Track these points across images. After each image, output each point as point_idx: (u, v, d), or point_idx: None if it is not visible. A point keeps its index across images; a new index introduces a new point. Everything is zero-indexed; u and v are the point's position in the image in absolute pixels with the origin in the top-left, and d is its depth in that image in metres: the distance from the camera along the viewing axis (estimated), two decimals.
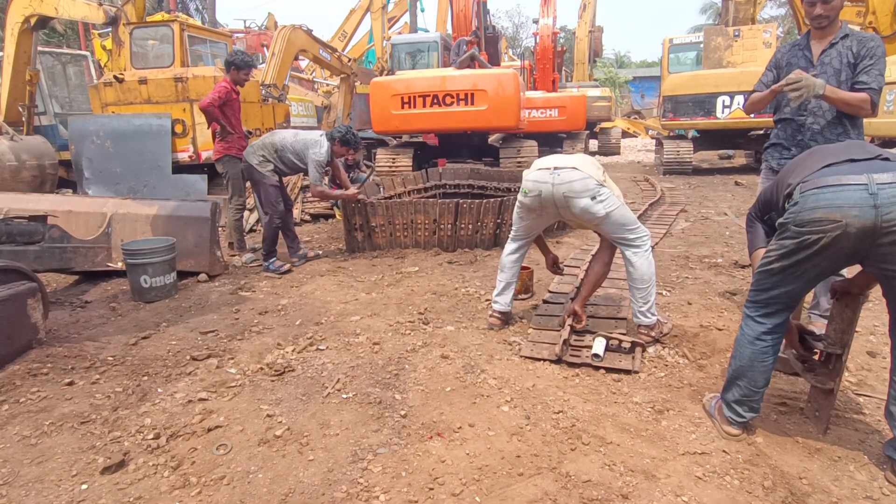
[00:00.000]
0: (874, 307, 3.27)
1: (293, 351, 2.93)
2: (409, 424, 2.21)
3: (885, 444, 1.90)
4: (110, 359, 2.89)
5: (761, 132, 10.14)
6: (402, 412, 2.29)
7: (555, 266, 3.49)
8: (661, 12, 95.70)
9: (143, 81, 6.99)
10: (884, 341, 2.84)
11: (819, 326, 2.72)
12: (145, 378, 2.68)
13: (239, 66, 4.81)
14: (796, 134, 2.80)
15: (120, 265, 4.23)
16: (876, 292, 3.44)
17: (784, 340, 2.05)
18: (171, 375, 2.71)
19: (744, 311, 2.03)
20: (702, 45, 10.98)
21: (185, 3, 25.98)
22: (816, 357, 2.12)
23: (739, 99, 9.36)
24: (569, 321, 2.94)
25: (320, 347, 2.98)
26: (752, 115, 6.68)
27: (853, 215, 1.65)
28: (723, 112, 9.58)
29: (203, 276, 4.36)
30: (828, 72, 2.66)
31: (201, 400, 2.44)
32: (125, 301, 3.91)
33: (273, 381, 2.62)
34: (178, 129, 6.90)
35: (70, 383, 2.61)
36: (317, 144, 4.56)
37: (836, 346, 2.03)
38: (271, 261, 4.63)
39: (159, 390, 2.55)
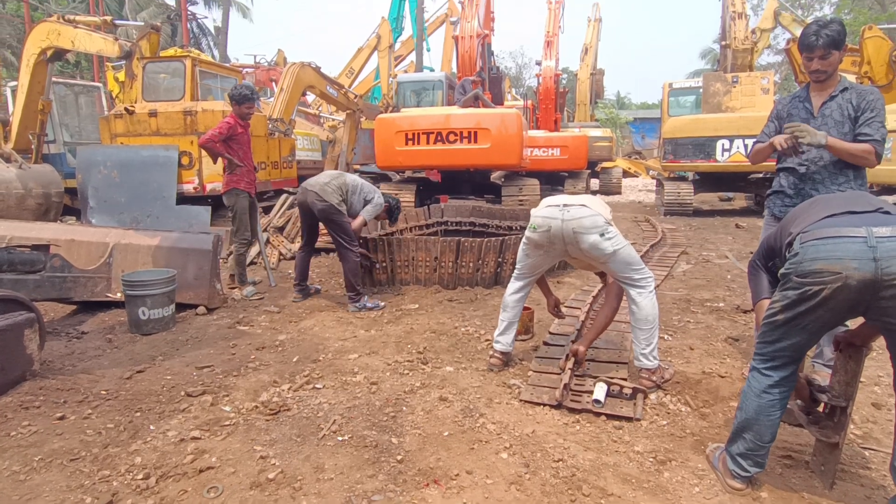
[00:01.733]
0: (878, 357, 3.23)
1: (289, 389, 2.89)
2: (406, 470, 2.15)
3: (891, 499, 1.85)
4: (104, 393, 2.85)
5: (761, 176, 10.26)
6: (399, 457, 2.24)
7: (556, 308, 3.48)
8: (660, 57, 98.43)
9: (153, 114, 7.13)
10: (888, 392, 2.80)
11: (823, 376, 2.68)
12: (138, 414, 2.63)
13: (238, 101, 4.85)
14: (799, 183, 2.83)
15: (119, 296, 4.21)
16: (880, 343, 3.40)
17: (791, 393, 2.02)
18: (164, 412, 2.66)
19: (751, 364, 2.01)
20: (701, 90, 11.23)
21: (198, 39, 26.79)
22: (821, 409, 2.09)
23: (739, 143, 9.50)
24: (569, 364, 2.91)
25: (317, 386, 2.94)
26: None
27: (853, 268, 1.65)
28: (723, 155, 9.71)
29: (202, 309, 4.34)
30: (829, 123, 2.71)
31: (194, 439, 2.39)
32: (122, 333, 3.89)
33: (268, 420, 2.57)
34: (185, 160, 7.00)
35: (61, 418, 2.56)
36: (379, 195, 4.83)
37: (840, 399, 2.00)
38: (364, 300, 4.51)
39: (151, 427, 2.50)
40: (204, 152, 5.65)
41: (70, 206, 8.32)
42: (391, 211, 5.06)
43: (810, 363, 3.02)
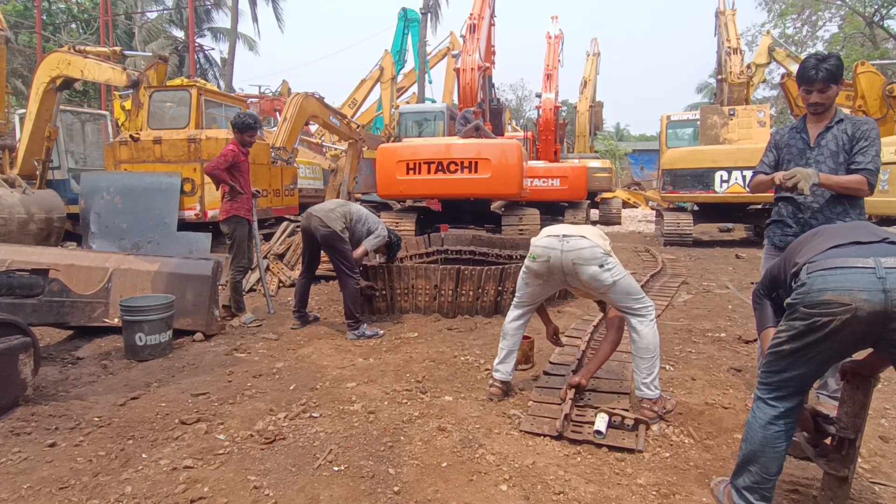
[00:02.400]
0: (885, 389, 3.19)
1: (285, 418, 2.84)
2: (403, 502, 2.10)
3: None
4: (96, 420, 2.80)
5: (759, 207, 10.33)
6: (396, 488, 2.18)
7: (555, 337, 3.45)
8: (658, 90, 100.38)
9: (157, 141, 7.23)
10: (895, 426, 2.75)
11: (828, 408, 2.64)
12: (130, 442, 2.58)
13: (241, 129, 4.89)
14: (797, 212, 2.85)
15: (116, 321, 4.18)
16: (886, 374, 3.36)
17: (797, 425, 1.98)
18: (157, 440, 2.61)
19: (755, 394, 1.97)
20: (698, 122, 11.41)
21: (205, 70, 27.37)
22: (828, 442, 2.04)
23: (737, 174, 9.60)
24: (570, 394, 2.87)
25: (314, 415, 2.89)
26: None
27: (862, 299, 1.64)
28: (721, 186, 9.80)
29: (199, 336, 4.30)
30: (825, 153, 2.75)
31: (186, 468, 2.34)
32: (118, 359, 3.84)
33: (263, 449, 2.52)
34: (188, 187, 7.06)
35: (52, 444, 2.51)
36: (384, 228, 4.89)
37: (848, 431, 1.95)
38: (364, 328, 4.48)
39: (143, 455, 2.45)
40: (207, 179, 5.71)
41: (72, 231, 8.36)
42: (391, 247, 5.10)
43: (814, 395, 2.97)
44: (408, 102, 18.80)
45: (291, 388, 3.29)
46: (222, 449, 2.51)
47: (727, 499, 2.02)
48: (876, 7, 21.40)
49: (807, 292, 1.74)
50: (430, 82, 19.93)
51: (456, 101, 11.55)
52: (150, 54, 10.82)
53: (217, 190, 5.00)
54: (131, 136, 7.33)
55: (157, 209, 6.81)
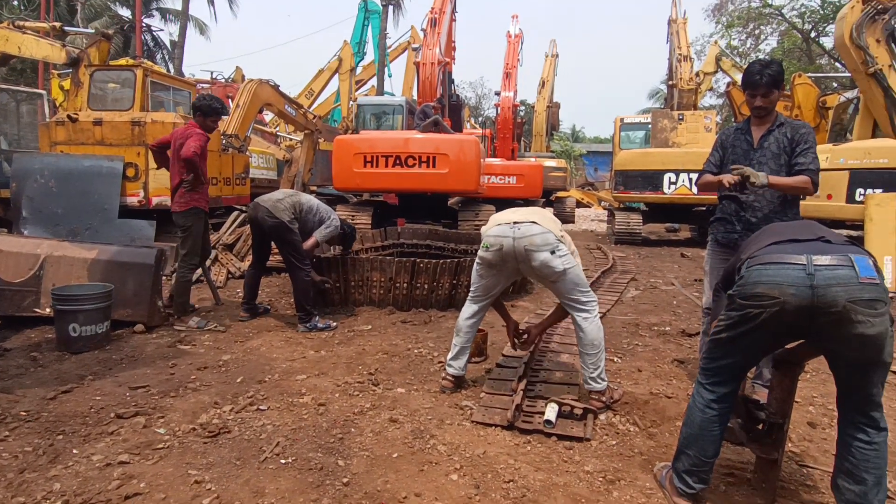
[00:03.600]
0: (812, 378, 3.39)
1: (231, 410, 2.74)
2: (352, 493, 2.06)
3: None
4: (23, 414, 2.62)
5: (704, 209, 10.78)
6: (345, 479, 2.15)
7: (517, 333, 3.38)
8: (612, 94, 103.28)
9: (98, 122, 6.82)
10: (822, 412, 2.93)
11: (761, 395, 2.77)
12: (60, 437, 2.43)
13: (206, 113, 4.59)
14: (739, 210, 2.98)
15: (48, 311, 3.94)
16: (812, 364, 3.56)
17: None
18: (90, 435, 2.47)
19: (696, 379, 2.06)
20: (650, 126, 11.80)
21: (152, 52, 26.12)
22: (760, 427, 2.15)
23: (684, 176, 9.99)
24: (521, 386, 2.90)
25: (261, 407, 2.81)
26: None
27: (790, 293, 1.72)
28: (669, 188, 10.17)
29: (140, 327, 4.10)
30: (767, 154, 2.90)
31: (122, 463, 2.22)
32: (49, 351, 3.62)
33: (206, 443, 2.42)
34: (131, 172, 6.71)
35: None
36: (335, 219, 4.74)
37: (777, 416, 2.06)
38: (316, 321, 4.36)
39: (74, 451, 2.31)
40: (152, 164, 5.39)
41: (2, 216, 7.80)
42: (346, 237, 4.99)
43: (750, 384, 3.12)
44: (366, 95, 18.57)
45: (238, 380, 3.18)
46: (162, 443, 2.40)
47: (669, 483, 2.09)
48: (812, 24, 22.73)
49: (743, 285, 1.83)
50: (390, 76, 19.75)
51: (415, 96, 11.48)
52: (93, 31, 10.22)
53: (187, 178, 4.50)
54: (69, 117, 6.89)
55: (97, 194, 6.43)
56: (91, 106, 7.14)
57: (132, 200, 6.69)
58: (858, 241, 6.62)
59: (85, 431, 2.49)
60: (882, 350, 1.71)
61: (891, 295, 6.41)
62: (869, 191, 6.44)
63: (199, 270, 5.02)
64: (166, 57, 26.76)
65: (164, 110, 7.75)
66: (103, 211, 6.42)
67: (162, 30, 27.33)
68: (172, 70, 20.01)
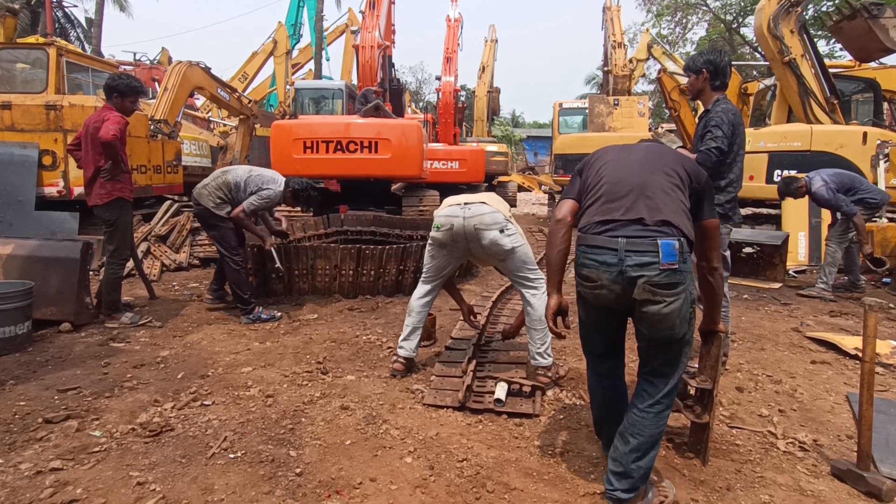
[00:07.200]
0: (740, 346, 3.64)
1: (173, 408, 2.63)
2: (306, 483, 2.04)
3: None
4: None
5: None
6: (298, 470, 2.12)
7: (472, 315, 3.54)
8: (551, 79, 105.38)
9: (6, 106, 6.24)
10: (748, 377, 3.16)
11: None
12: None
13: (123, 93, 4.13)
14: None
15: None
16: (739, 333, 3.82)
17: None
18: (15, 442, 2.30)
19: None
20: (587, 111, 12.13)
21: (66, 30, 24.10)
22: (692, 393, 2.30)
23: None
24: (471, 367, 2.95)
25: (205, 403, 2.71)
26: None
27: (605, 277, 1.83)
28: None
29: (66, 326, 3.84)
30: (696, 135, 3.10)
31: (54, 470, 2.09)
32: None
33: (147, 443, 2.32)
34: (47, 161, 6.19)
35: None
36: (275, 183, 4.36)
37: (707, 382, 2.21)
38: (259, 311, 4.20)
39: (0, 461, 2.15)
40: (82, 152, 4.91)
41: None
42: (297, 196, 4.51)
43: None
44: (304, 79, 17.97)
45: (179, 376, 3.05)
46: (98, 446, 2.27)
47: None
48: (734, 15, 24.02)
49: (577, 263, 1.95)
50: (328, 59, 19.22)
51: (355, 80, 11.23)
52: None
53: (105, 165, 4.07)
54: None
55: (9, 185, 5.90)
56: None
57: (51, 191, 6.19)
58: (776, 220, 7.00)
59: (10, 440, 2.32)
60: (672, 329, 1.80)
61: (804, 268, 6.92)
62: (785, 172, 6.92)
63: (131, 264, 4.72)
64: (81, 36, 24.75)
65: (83, 94, 7.19)
66: (17, 203, 5.91)
67: (76, 6, 25.33)
68: (89, 50, 18.58)
